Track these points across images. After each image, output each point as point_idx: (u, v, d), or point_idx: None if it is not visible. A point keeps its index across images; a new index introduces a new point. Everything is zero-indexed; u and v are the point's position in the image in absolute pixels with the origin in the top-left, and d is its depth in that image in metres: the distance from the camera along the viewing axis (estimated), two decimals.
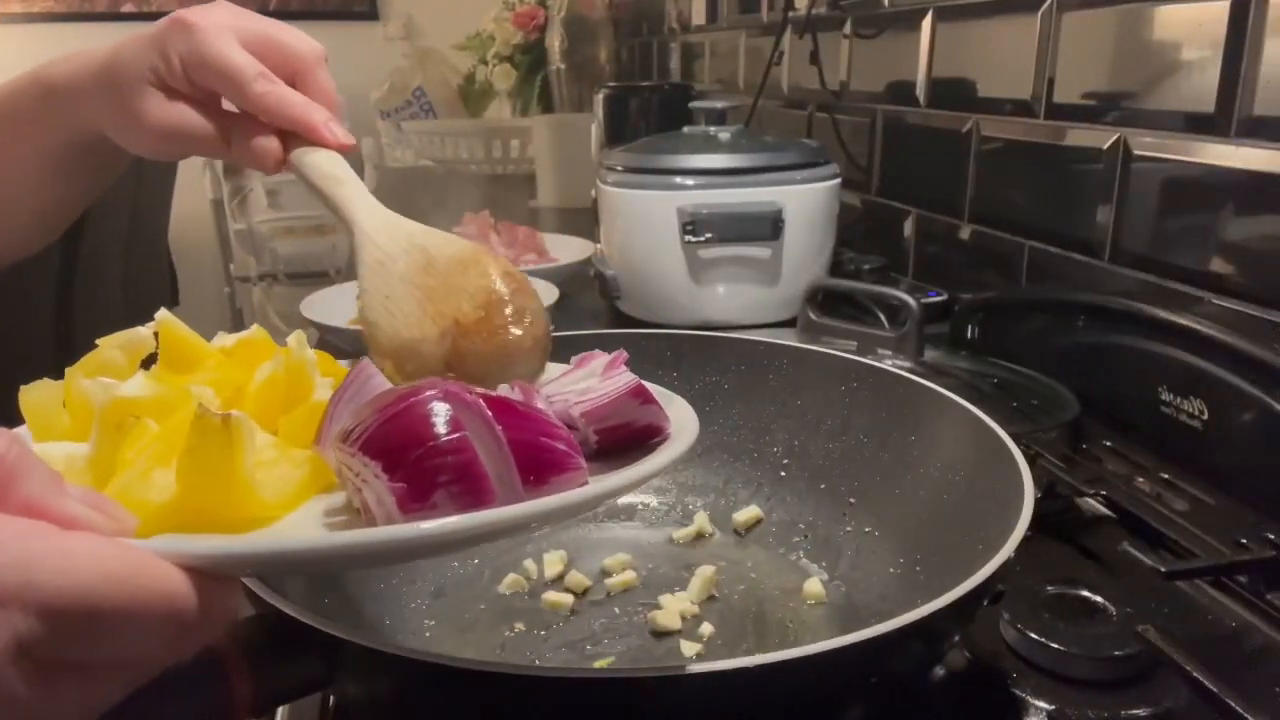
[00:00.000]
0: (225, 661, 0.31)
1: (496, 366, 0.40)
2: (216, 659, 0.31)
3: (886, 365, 0.56)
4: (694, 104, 0.98)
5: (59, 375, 0.36)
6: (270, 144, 0.49)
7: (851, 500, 0.54)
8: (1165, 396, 0.63)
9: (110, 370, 0.37)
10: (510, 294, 0.41)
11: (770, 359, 0.60)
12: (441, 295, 0.41)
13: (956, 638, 0.41)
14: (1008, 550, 0.36)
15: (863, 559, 0.51)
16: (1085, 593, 0.47)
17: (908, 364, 0.73)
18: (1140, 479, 0.60)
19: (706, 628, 0.48)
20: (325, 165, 0.47)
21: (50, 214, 0.61)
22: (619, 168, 0.92)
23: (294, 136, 0.48)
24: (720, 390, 0.61)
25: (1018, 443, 0.45)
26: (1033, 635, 0.43)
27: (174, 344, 0.40)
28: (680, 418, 0.38)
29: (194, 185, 2.54)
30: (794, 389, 0.59)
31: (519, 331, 0.41)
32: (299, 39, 0.51)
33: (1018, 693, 0.42)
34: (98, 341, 0.38)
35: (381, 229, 0.44)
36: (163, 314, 0.40)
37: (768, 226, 0.87)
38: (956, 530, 0.45)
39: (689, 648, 0.47)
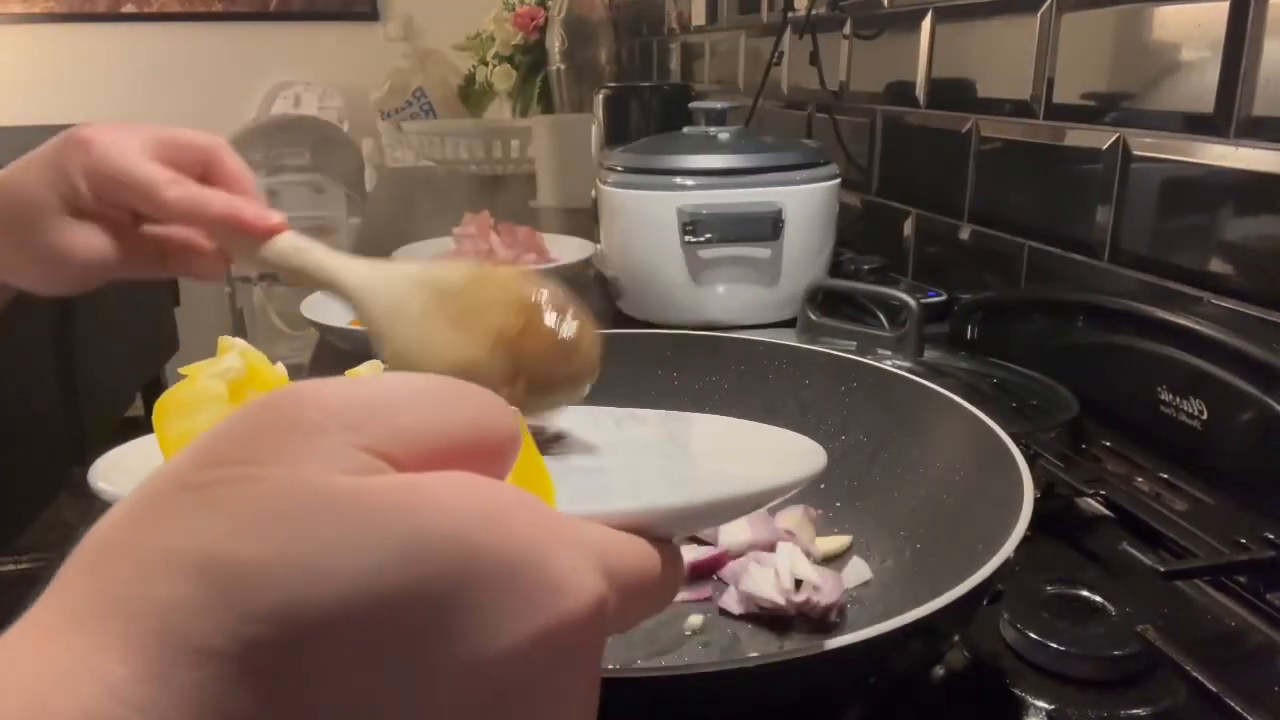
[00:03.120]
0: None
1: (560, 362, 0.40)
2: None
3: (886, 365, 0.56)
4: (694, 104, 0.98)
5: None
6: (208, 256, 0.47)
7: (851, 500, 0.54)
8: (1165, 397, 0.63)
9: (210, 399, 0.36)
10: (542, 294, 0.41)
11: (770, 359, 0.60)
12: (471, 317, 0.41)
13: (956, 637, 0.41)
14: (1007, 550, 0.36)
15: (861, 559, 0.51)
16: (1085, 592, 0.47)
17: (907, 364, 0.73)
18: (1140, 479, 0.60)
19: (701, 627, 0.48)
20: (282, 245, 0.46)
21: None
22: (619, 168, 0.92)
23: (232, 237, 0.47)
24: (720, 390, 0.61)
25: (1017, 443, 0.45)
26: (1032, 635, 0.43)
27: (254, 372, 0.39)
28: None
29: None
30: (794, 389, 0.59)
31: (574, 323, 0.41)
32: (195, 134, 0.48)
33: (1017, 692, 0.42)
34: (183, 370, 0.37)
35: (379, 279, 0.43)
36: (240, 343, 0.40)
37: (768, 227, 0.87)
38: (956, 530, 0.45)
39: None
